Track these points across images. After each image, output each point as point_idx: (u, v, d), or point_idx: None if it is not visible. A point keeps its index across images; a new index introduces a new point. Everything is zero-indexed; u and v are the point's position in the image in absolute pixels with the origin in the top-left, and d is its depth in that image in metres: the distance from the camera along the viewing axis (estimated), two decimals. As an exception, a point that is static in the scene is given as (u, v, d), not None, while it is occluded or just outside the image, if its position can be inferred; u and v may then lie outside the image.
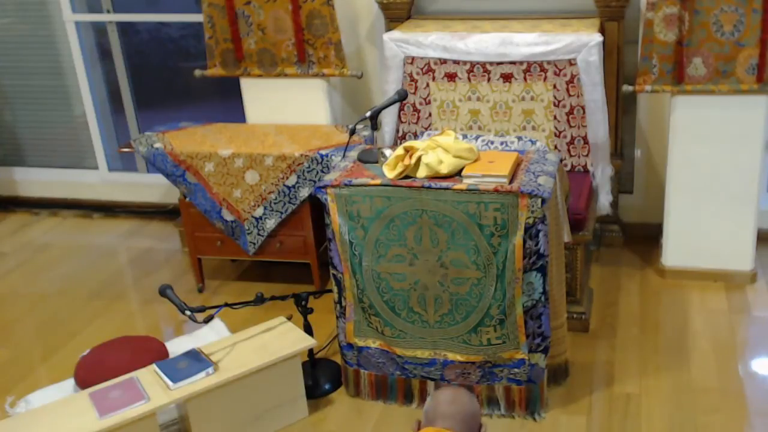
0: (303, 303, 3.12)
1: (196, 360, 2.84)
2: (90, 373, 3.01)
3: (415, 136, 3.72)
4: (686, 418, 2.89)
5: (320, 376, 3.19)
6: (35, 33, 4.95)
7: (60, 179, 5.19)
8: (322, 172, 3.60)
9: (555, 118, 3.55)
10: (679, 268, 3.82)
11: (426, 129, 3.72)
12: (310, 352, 3.19)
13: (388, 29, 3.89)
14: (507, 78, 3.54)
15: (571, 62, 3.43)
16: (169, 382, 2.73)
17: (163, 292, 2.90)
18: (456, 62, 3.58)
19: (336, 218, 2.87)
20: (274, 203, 3.72)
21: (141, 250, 4.60)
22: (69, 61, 4.90)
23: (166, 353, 3.13)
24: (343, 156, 3.18)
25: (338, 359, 3.19)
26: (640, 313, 3.58)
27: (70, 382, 3.12)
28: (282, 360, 2.90)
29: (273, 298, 3.10)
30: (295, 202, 3.70)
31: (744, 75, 3.40)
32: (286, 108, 4.09)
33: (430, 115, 3.72)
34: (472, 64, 3.56)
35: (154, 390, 2.73)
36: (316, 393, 3.14)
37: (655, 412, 2.94)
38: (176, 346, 3.24)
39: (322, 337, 3.40)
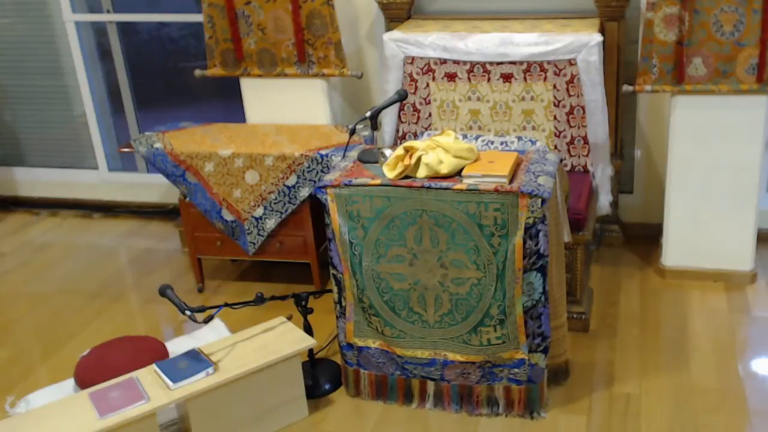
0: (303, 303, 3.12)
1: (196, 360, 2.84)
2: (90, 373, 3.01)
3: (415, 136, 3.72)
4: (686, 418, 2.89)
5: (320, 376, 3.19)
6: (35, 33, 4.95)
7: (60, 179, 5.19)
8: (322, 172, 3.60)
9: (555, 118, 3.55)
10: (679, 268, 3.82)
11: (426, 129, 3.72)
12: (310, 352, 3.19)
13: (388, 29, 3.89)
14: (507, 78, 3.54)
15: (571, 62, 3.43)
16: (169, 382, 2.73)
17: (163, 292, 2.90)
18: (456, 62, 3.58)
19: (336, 218, 2.87)
20: (274, 203, 3.72)
21: (141, 250, 4.60)
22: (69, 61, 4.90)
23: (166, 353, 3.13)
24: (343, 156, 3.18)
25: (338, 359, 3.19)
26: (640, 313, 3.58)
27: (70, 382, 3.12)
28: (282, 360, 2.90)
29: (273, 298, 3.10)
30: (295, 202, 3.70)
31: (744, 75, 3.40)
32: (286, 108, 4.09)
33: (430, 115, 3.72)
34: (472, 64, 3.56)
35: (154, 390, 2.73)
36: (316, 393, 3.14)
37: (655, 412, 2.94)
38: (176, 346, 3.25)
39: (322, 337, 3.40)
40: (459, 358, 2.90)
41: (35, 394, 3.10)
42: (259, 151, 3.70)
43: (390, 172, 2.80)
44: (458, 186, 2.70)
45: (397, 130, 3.79)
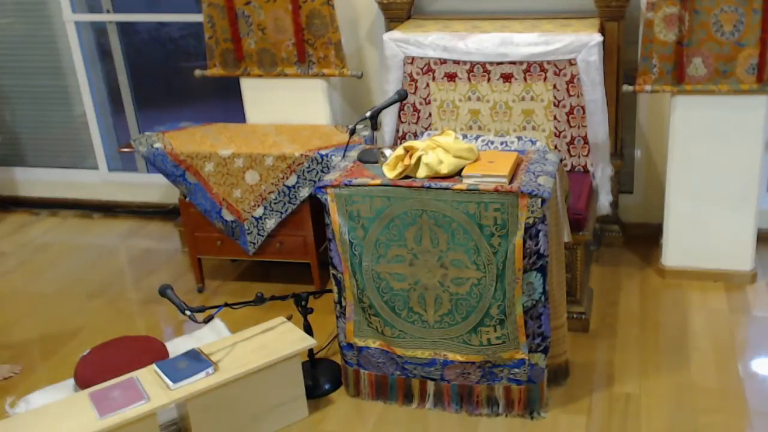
0: (303, 303, 3.12)
1: (196, 360, 2.84)
2: (90, 373, 3.01)
3: (415, 136, 3.72)
4: (686, 418, 2.89)
5: (320, 376, 3.19)
6: (35, 33, 4.95)
7: (60, 179, 5.19)
8: (322, 172, 3.60)
9: (555, 118, 3.55)
10: (679, 268, 3.82)
11: (426, 129, 3.72)
12: (310, 352, 3.19)
13: (388, 29, 3.89)
14: (507, 78, 3.54)
15: (571, 62, 3.43)
16: (169, 382, 2.73)
17: (163, 292, 2.90)
18: (456, 62, 3.58)
19: (336, 218, 2.87)
20: (274, 203, 3.72)
21: (141, 250, 4.60)
22: (69, 61, 4.90)
23: (166, 353, 3.13)
24: (343, 156, 3.18)
25: (338, 359, 3.19)
26: (640, 313, 3.58)
27: (70, 382, 3.12)
28: (282, 360, 2.90)
29: (273, 298, 3.10)
30: (295, 202, 3.70)
31: (744, 75, 3.40)
32: (286, 108, 4.10)
33: (430, 115, 3.72)
34: (472, 64, 3.56)
35: (154, 390, 2.73)
36: (316, 393, 3.14)
37: (655, 412, 2.94)
38: (176, 346, 3.24)
39: (322, 337, 3.40)
40: (459, 358, 2.90)
41: (35, 394, 3.10)
42: (259, 151, 3.70)
43: (390, 172, 2.80)
44: (458, 186, 2.70)
45: (397, 130, 3.79)
